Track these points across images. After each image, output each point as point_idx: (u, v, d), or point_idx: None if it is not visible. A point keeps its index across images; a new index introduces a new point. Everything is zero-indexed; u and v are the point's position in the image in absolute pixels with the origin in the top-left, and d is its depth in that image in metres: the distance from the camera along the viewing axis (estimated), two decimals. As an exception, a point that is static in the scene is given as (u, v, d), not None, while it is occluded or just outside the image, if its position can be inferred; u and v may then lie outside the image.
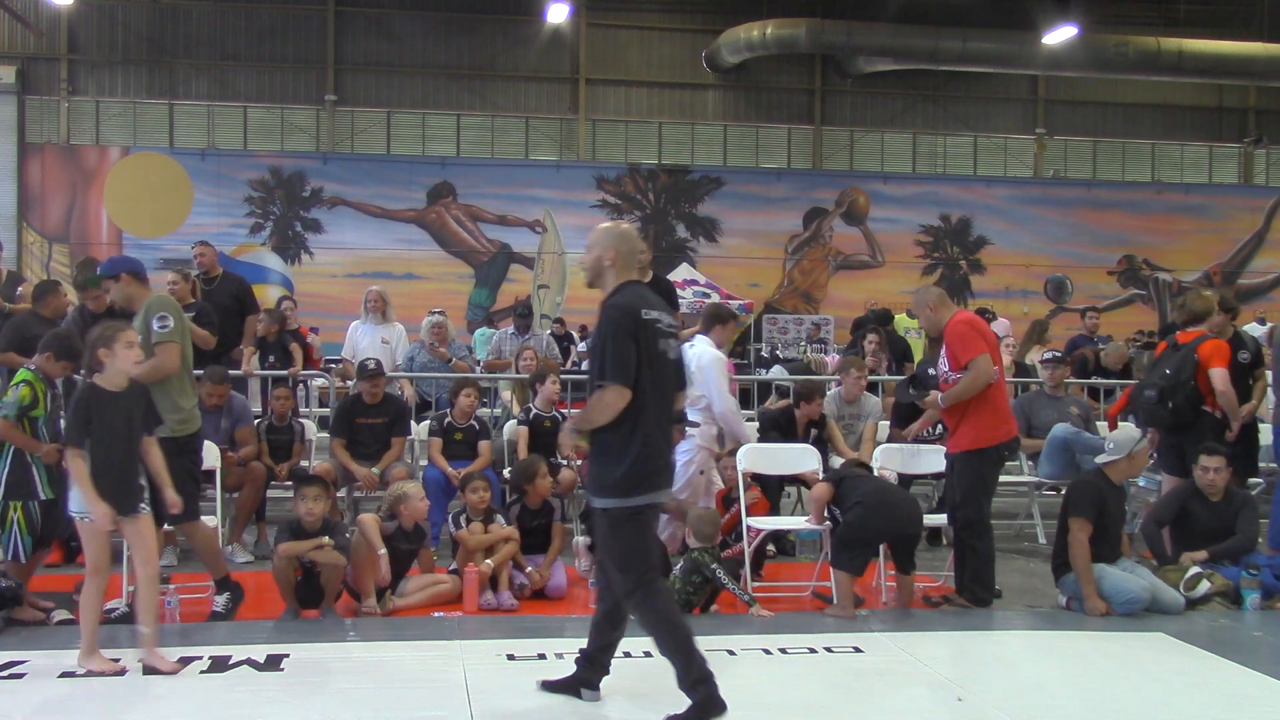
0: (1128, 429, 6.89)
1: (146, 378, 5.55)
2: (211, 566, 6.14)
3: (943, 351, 6.53)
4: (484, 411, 9.08)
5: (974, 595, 6.50)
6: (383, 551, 6.27)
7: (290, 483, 7.17)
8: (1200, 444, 7.05)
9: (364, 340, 10.27)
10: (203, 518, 6.30)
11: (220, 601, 6.06)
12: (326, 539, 6.03)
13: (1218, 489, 6.90)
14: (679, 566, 6.31)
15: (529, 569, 6.79)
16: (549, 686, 4.73)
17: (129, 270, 6.19)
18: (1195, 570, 6.63)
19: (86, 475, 4.91)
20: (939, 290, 6.83)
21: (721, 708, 4.32)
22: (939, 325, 6.56)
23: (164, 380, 5.77)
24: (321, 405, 10.45)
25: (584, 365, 14.86)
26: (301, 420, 8.58)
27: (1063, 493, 7.36)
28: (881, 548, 6.65)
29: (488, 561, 6.59)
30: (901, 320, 16.94)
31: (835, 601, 6.33)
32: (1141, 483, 8.07)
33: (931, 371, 6.98)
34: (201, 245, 9.36)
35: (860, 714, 4.72)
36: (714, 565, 6.25)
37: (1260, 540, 7.09)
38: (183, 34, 24.37)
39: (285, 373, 9.28)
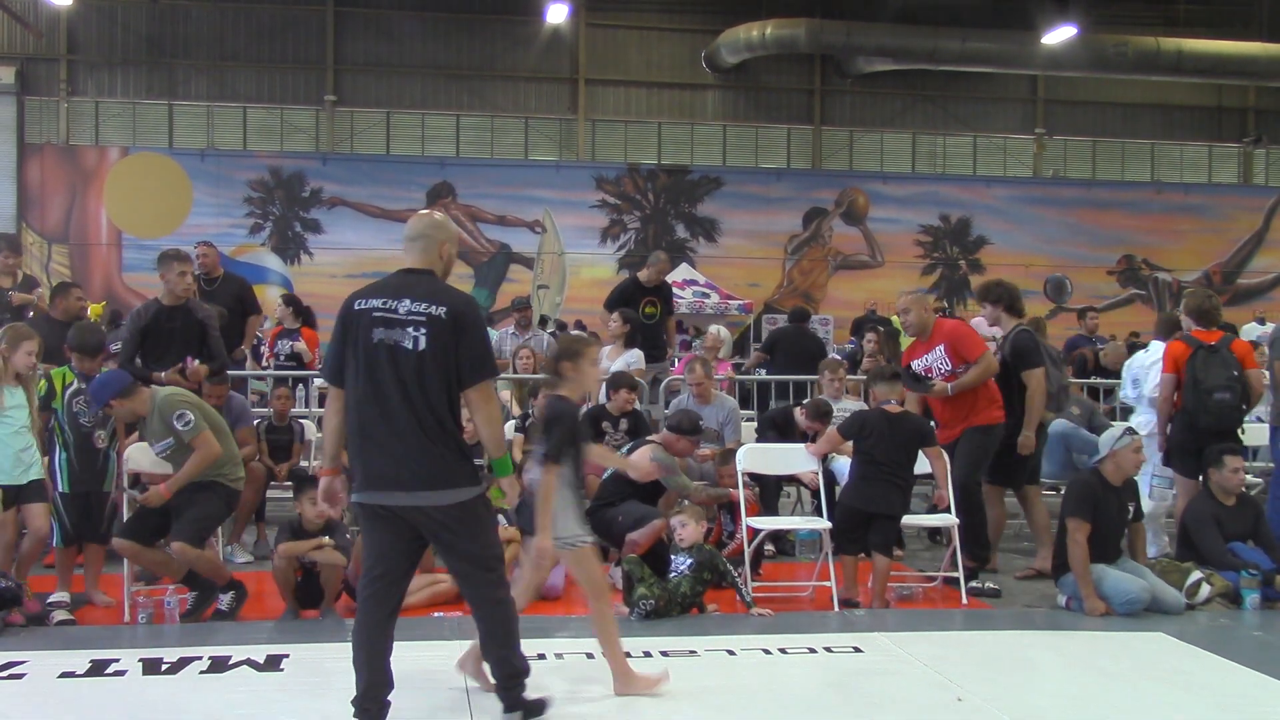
0: (1111, 429, 6.89)
1: (193, 471, 5.92)
2: (216, 576, 6.16)
3: (940, 349, 7.25)
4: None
5: (971, 553, 6.96)
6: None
7: (290, 483, 7.17)
8: (1214, 446, 7.09)
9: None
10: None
11: (225, 600, 6.08)
12: (327, 539, 6.03)
13: (1234, 492, 6.94)
14: (687, 564, 6.30)
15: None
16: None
17: (115, 396, 6.09)
18: (1196, 576, 6.64)
19: (554, 496, 4.58)
20: (929, 296, 7.46)
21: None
22: (928, 328, 7.36)
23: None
24: (321, 406, 10.44)
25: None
26: (301, 420, 8.58)
27: (1061, 492, 7.45)
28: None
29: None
30: (895, 320, 16.97)
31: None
32: (1154, 481, 8.02)
33: (914, 365, 7.43)
34: (204, 246, 9.37)
35: (860, 714, 4.72)
36: (726, 563, 6.32)
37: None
38: (182, 34, 24.36)
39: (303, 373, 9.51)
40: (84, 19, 23.93)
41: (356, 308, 4.20)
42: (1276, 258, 27.71)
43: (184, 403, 6.06)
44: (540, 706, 4.44)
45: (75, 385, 6.40)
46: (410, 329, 4.10)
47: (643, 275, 10.05)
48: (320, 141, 24.77)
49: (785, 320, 13.69)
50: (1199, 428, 7.31)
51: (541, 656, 5.30)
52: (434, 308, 4.12)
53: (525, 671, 4.41)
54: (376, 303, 4.18)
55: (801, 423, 8.26)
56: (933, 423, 7.26)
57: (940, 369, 7.24)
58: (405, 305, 4.14)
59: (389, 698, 4.31)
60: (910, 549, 8.20)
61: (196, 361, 7.14)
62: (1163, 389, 7.54)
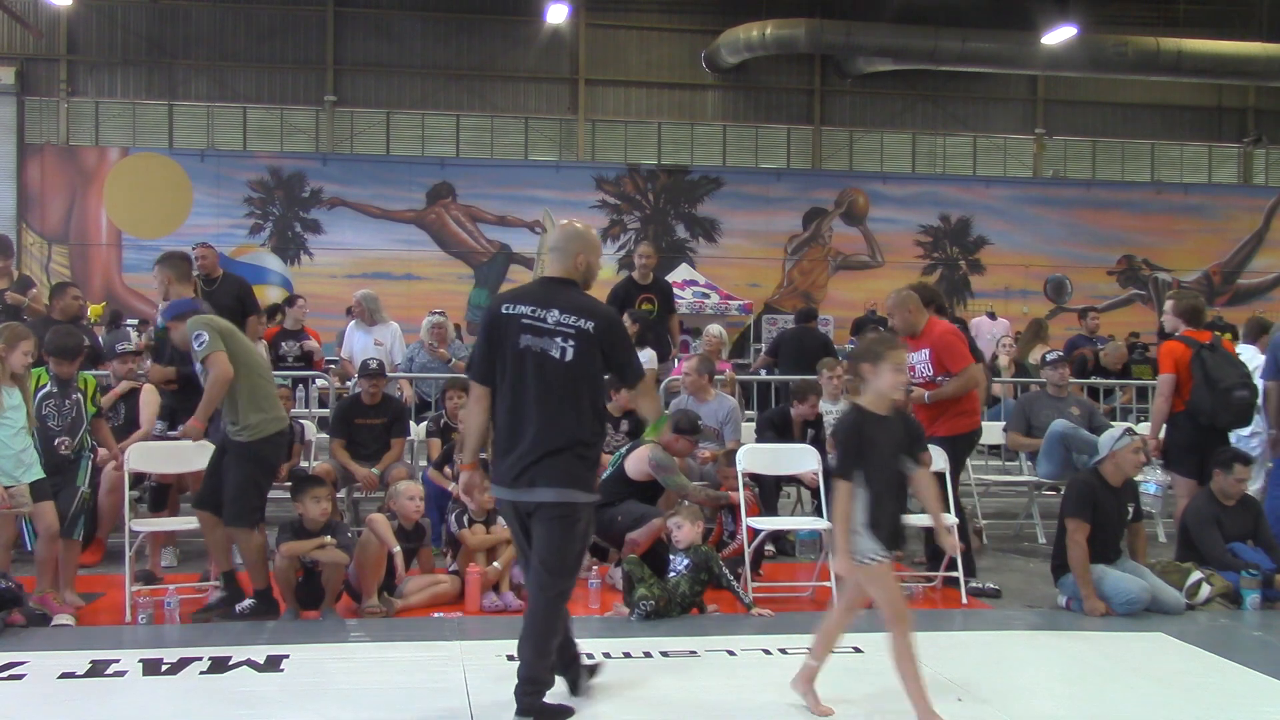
0: (1110, 429, 6.90)
1: (211, 395, 5.89)
2: (253, 577, 6.13)
3: (925, 353, 7.17)
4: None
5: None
6: (397, 549, 6.29)
7: (289, 483, 7.17)
8: (1222, 450, 7.09)
9: (358, 344, 10.40)
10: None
11: (246, 605, 6.07)
12: (329, 538, 6.03)
13: (1236, 497, 6.95)
14: (684, 564, 6.31)
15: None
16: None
17: (172, 318, 6.44)
18: (1197, 576, 6.64)
19: (851, 512, 4.30)
20: (917, 295, 7.41)
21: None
22: (916, 328, 7.24)
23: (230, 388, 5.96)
24: (321, 406, 10.48)
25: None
26: (301, 421, 8.58)
27: (1061, 492, 7.47)
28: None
29: (495, 564, 6.58)
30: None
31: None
32: (1152, 489, 8.06)
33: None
34: (203, 247, 9.37)
35: (860, 714, 4.72)
36: (721, 564, 6.32)
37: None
38: (182, 34, 24.36)
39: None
40: (84, 19, 23.93)
41: (504, 312, 4.44)
42: (1276, 258, 27.71)
43: (204, 324, 6.01)
44: (560, 713, 4.46)
45: (48, 388, 6.36)
46: (559, 339, 4.34)
47: (636, 274, 10.12)
48: (320, 142, 24.77)
49: (792, 321, 13.73)
50: (1217, 427, 7.31)
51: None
52: (583, 321, 4.36)
53: (547, 684, 4.44)
54: (525, 309, 4.40)
55: (793, 412, 8.29)
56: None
57: (923, 373, 7.19)
58: (554, 316, 4.37)
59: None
60: (910, 549, 8.18)
61: (149, 362, 7.36)
62: (1163, 389, 7.50)
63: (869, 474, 4.30)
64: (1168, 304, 7.85)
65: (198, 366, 6.08)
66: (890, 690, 5.01)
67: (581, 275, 4.55)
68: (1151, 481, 7.94)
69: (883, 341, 4.51)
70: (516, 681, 4.40)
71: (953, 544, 4.75)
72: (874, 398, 4.39)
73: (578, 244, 4.55)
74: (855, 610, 4.54)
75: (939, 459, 7.07)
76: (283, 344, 10.56)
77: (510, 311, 4.43)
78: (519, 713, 4.37)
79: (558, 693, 4.59)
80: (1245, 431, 7.77)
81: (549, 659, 4.44)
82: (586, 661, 4.79)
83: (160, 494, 7.26)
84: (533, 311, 4.39)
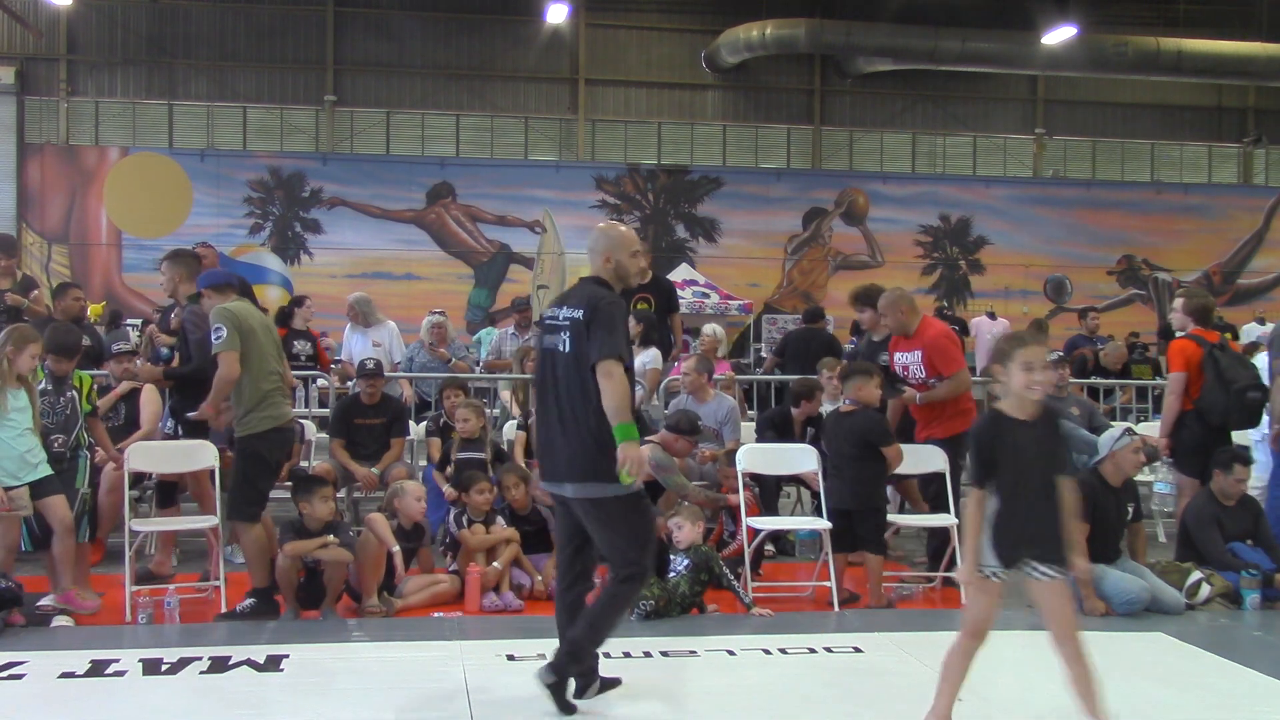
0: (1110, 429, 6.90)
1: (217, 389, 6.00)
2: (253, 574, 6.12)
3: (918, 354, 7.17)
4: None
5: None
6: (396, 549, 6.29)
7: (289, 483, 7.18)
8: (1223, 450, 7.08)
9: (356, 346, 10.41)
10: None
11: (245, 604, 6.07)
12: (331, 537, 6.03)
13: (1235, 497, 6.94)
14: (684, 565, 6.31)
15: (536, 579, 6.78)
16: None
17: (207, 285, 6.58)
18: (1197, 576, 6.64)
19: (980, 520, 4.07)
20: (911, 295, 7.49)
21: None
22: (910, 328, 7.26)
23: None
24: (321, 405, 10.47)
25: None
26: (301, 421, 8.58)
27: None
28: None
29: (495, 565, 6.59)
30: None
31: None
32: (1164, 488, 8.05)
33: (897, 359, 7.46)
34: (203, 247, 9.39)
35: (860, 714, 4.72)
36: (721, 564, 6.33)
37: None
38: (182, 34, 24.35)
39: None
40: (84, 19, 23.92)
41: (541, 317, 4.69)
42: (1276, 258, 27.70)
43: (226, 318, 6.02)
44: (566, 708, 4.49)
45: (42, 385, 6.34)
46: (562, 334, 4.47)
47: None
48: (320, 141, 24.77)
49: (795, 321, 13.75)
50: (1227, 427, 7.29)
51: (542, 656, 5.28)
52: (577, 311, 4.44)
53: (584, 660, 4.53)
54: (549, 312, 4.59)
55: (794, 412, 8.29)
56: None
57: (915, 374, 7.21)
58: (563, 312, 4.51)
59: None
60: (909, 549, 8.19)
61: (139, 361, 7.37)
62: (1174, 387, 7.39)
63: (1002, 482, 4.06)
64: (1177, 301, 7.78)
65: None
66: (890, 690, 5.02)
67: (612, 274, 4.62)
68: (1163, 480, 7.92)
69: (1012, 339, 4.22)
70: (558, 645, 4.51)
71: (1084, 567, 4.48)
72: (1012, 401, 4.12)
73: (603, 243, 4.65)
74: (1074, 638, 4.26)
75: (938, 460, 7.08)
76: (295, 343, 10.55)
77: (542, 316, 4.67)
78: (549, 666, 4.46)
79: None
80: (1255, 435, 7.74)
81: (599, 640, 4.51)
82: (605, 675, 4.78)
83: (166, 490, 7.25)
84: (552, 312, 4.57)
